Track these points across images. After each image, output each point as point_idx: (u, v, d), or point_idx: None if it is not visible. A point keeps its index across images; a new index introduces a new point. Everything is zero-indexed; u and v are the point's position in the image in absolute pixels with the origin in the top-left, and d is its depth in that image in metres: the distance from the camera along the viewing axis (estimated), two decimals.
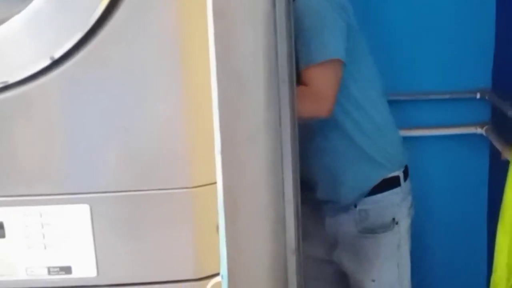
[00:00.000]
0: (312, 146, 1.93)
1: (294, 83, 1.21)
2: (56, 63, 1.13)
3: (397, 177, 2.02)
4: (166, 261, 1.19)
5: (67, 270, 1.20)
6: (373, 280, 2.02)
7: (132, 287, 1.21)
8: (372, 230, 2.01)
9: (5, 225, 1.18)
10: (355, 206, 1.99)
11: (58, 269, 1.19)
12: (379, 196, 2.00)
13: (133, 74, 1.14)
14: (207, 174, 1.11)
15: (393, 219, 2.01)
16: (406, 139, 2.16)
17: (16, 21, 1.12)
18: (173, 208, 1.17)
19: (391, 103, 2.07)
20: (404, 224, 2.04)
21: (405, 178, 2.03)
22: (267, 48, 1.09)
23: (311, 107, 1.81)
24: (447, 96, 2.53)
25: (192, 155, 1.15)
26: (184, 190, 1.16)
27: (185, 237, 1.18)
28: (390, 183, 2.01)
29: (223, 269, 1.05)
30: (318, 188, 1.99)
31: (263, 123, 1.11)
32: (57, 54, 1.12)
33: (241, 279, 1.06)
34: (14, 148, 1.17)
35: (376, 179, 1.99)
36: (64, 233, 1.18)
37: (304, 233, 1.85)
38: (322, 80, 1.83)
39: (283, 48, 1.15)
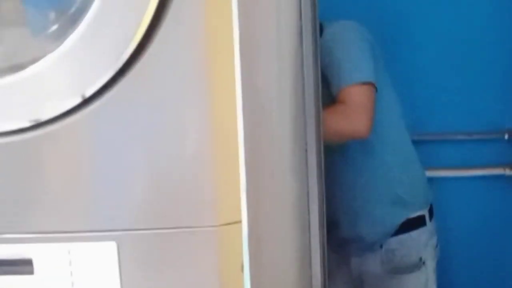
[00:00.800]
0: (333, 182, 1.92)
1: (321, 118, 1.22)
2: (86, 102, 1.15)
3: (423, 217, 2.01)
4: None
5: None
6: None
7: None
8: (399, 270, 1.99)
9: (34, 262, 1.19)
10: (381, 246, 1.98)
11: None
12: (405, 235, 1.98)
13: (161, 112, 1.16)
14: (233, 212, 1.12)
15: (420, 258, 1.99)
16: (431, 179, 2.15)
17: (49, 60, 1.15)
18: (198, 246, 1.18)
19: (415, 143, 2.06)
20: (431, 264, 2.02)
21: (430, 218, 2.01)
22: (294, 85, 1.10)
23: (349, 125, 1.80)
24: (474, 137, 2.51)
25: (218, 193, 1.16)
26: (210, 228, 1.17)
27: (210, 276, 1.19)
28: (415, 223, 1.99)
29: None
30: (341, 226, 1.98)
31: (289, 159, 1.12)
32: (88, 93, 1.15)
33: None
34: (43, 185, 1.19)
35: (401, 218, 1.97)
36: (91, 270, 1.19)
37: (329, 273, 1.85)
38: (359, 97, 1.82)
39: (309, 84, 1.16)
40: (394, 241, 1.97)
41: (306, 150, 1.18)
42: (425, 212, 2.00)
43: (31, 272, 1.19)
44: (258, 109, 1.02)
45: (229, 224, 1.16)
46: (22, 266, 1.19)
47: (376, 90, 1.85)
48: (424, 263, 2.00)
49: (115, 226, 1.19)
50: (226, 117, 1.08)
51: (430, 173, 2.19)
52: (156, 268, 1.20)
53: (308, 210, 1.23)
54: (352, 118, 1.81)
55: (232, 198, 1.11)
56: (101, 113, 1.16)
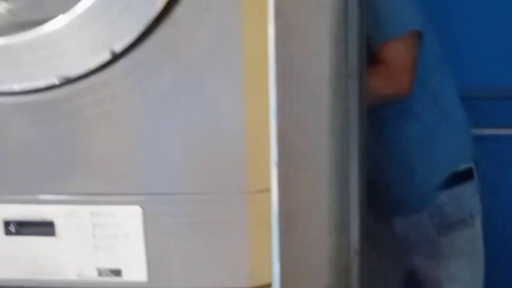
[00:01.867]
0: (380, 141, 1.86)
1: (364, 79, 1.14)
2: (116, 58, 1.08)
3: (471, 169, 1.93)
4: (218, 267, 1.15)
5: (117, 273, 1.16)
6: (452, 279, 1.95)
7: None
8: (448, 227, 1.93)
9: (56, 224, 1.15)
10: (430, 204, 1.91)
11: (108, 271, 1.16)
12: (454, 190, 1.91)
13: (192, 74, 1.09)
14: (264, 179, 1.06)
15: (470, 214, 1.94)
16: (478, 137, 2.06)
17: (75, 14, 1.07)
18: (227, 213, 1.12)
19: (463, 99, 1.96)
20: (479, 219, 1.97)
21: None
22: (335, 43, 1.02)
23: (389, 85, 1.74)
24: None
25: (249, 159, 1.09)
26: (239, 194, 1.11)
27: (239, 244, 1.13)
28: (464, 177, 1.93)
29: (275, 285, 0.99)
30: (387, 188, 1.91)
31: (327, 126, 1.04)
32: (118, 48, 1.07)
33: None
34: (68, 146, 1.14)
35: (449, 170, 1.90)
36: (115, 235, 1.14)
37: (369, 239, 1.80)
38: (400, 54, 1.75)
39: (353, 40, 1.08)
40: (443, 197, 1.91)
41: (347, 113, 1.11)
42: (472, 165, 1.93)
43: (52, 234, 1.15)
44: (293, 72, 0.93)
45: (259, 191, 1.09)
46: (44, 227, 1.15)
47: (422, 38, 1.76)
48: (473, 218, 1.94)
49: (140, 190, 1.13)
50: (262, 81, 1.00)
51: (477, 131, 2.09)
52: (183, 235, 1.14)
53: (348, 173, 1.16)
54: (392, 80, 1.73)
55: (263, 165, 1.04)
56: (132, 71, 1.09)
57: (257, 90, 1.02)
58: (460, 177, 1.93)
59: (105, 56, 1.08)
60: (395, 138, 1.86)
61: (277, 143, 0.91)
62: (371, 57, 1.74)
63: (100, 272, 1.16)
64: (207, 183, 1.12)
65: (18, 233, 1.15)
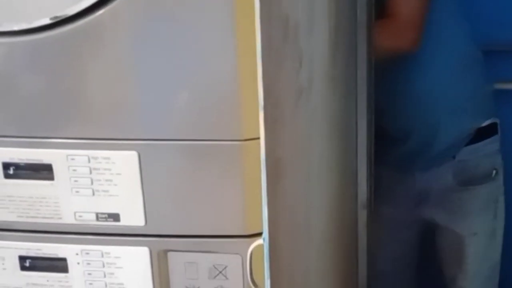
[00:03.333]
0: (403, 91, 1.82)
1: (373, 27, 1.11)
2: None
3: (495, 124, 1.89)
4: (214, 214, 1.14)
5: (116, 217, 1.17)
6: (475, 234, 1.92)
7: (179, 239, 1.17)
8: (472, 182, 1.90)
9: (54, 168, 1.15)
10: (454, 157, 1.88)
11: (106, 215, 1.17)
12: (479, 144, 1.87)
13: (187, 18, 1.07)
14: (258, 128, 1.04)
15: (494, 168, 1.90)
16: (499, 92, 2.00)
17: None
18: (222, 160, 1.11)
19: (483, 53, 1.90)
20: (501, 174, 1.93)
21: None
22: None
23: (396, 40, 1.68)
24: None
25: (243, 107, 1.08)
26: (234, 142, 1.10)
27: (234, 191, 1.12)
28: (488, 131, 1.88)
29: (265, 232, 0.98)
30: (409, 138, 1.88)
31: (322, 72, 1.02)
32: None
33: (283, 243, 1.00)
34: (65, 90, 1.14)
35: (472, 127, 1.86)
36: (112, 179, 1.15)
37: (387, 191, 1.78)
38: (409, 8, 1.69)
39: None
40: (467, 151, 1.87)
41: (356, 66, 1.09)
42: (496, 120, 1.89)
43: (51, 178, 1.16)
44: (279, 20, 0.91)
45: (254, 139, 1.08)
46: (42, 171, 1.15)
47: None
48: (496, 172, 1.91)
49: (137, 135, 1.13)
50: (251, 34, 0.97)
51: (498, 86, 2.03)
52: (179, 182, 1.14)
53: (356, 123, 1.14)
54: (400, 34, 1.68)
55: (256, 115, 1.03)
56: (126, 10, 1.08)
57: (250, 38, 1.00)
58: (483, 132, 1.88)
59: None
60: (414, 92, 1.82)
61: (263, 87, 0.89)
62: (380, 11, 1.69)
63: (98, 217, 1.17)
64: (204, 131, 1.11)
65: (17, 176, 1.16)
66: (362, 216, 1.20)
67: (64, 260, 1.20)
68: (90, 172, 1.15)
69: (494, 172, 1.91)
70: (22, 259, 1.21)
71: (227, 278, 1.17)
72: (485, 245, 1.95)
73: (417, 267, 2.08)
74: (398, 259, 2.03)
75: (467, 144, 1.87)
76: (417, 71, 1.79)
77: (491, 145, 1.89)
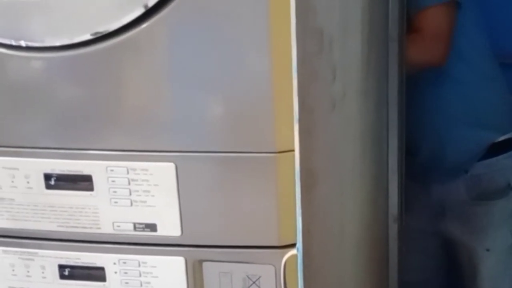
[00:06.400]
0: (418, 108, 1.82)
1: (404, 42, 1.13)
2: (149, 12, 1.10)
3: (510, 139, 1.89)
4: (248, 225, 1.17)
5: (153, 227, 1.19)
6: (488, 250, 1.91)
7: (214, 249, 1.19)
8: (485, 197, 1.89)
9: (93, 179, 1.19)
10: (466, 172, 1.88)
11: (143, 225, 1.20)
12: (493, 160, 1.87)
13: (224, 32, 1.10)
14: (292, 140, 1.07)
15: (508, 184, 1.89)
16: None
17: None
18: (256, 172, 1.14)
19: (502, 66, 1.90)
20: None
21: None
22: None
23: (424, 54, 1.70)
24: None
25: (277, 120, 1.10)
26: (268, 155, 1.12)
27: (268, 203, 1.15)
28: (502, 146, 1.88)
29: (299, 243, 1.00)
30: (422, 152, 1.88)
31: (355, 85, 1.04)
32: (151, 2, 1.09)
33: (316, 254, 1.01)
34: (105, 103, 1.17)
35: (486, 141, 1.86)
36: (150, 190, 1.18)
37: (406, 202, 1.78)
38: (437, 22, 1.71)
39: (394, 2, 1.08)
40: (480, 166, 1.86)
41: (387, 79, 1.11)
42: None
43: (90, 188, 1.19)
44: (314, 34, 0.93)
45: (288, 151, 1.10)
46: (82, 182, 1.19)
47: (460, 7, 1.72)
48: (510, 188, 1.89)
49: (174, 147, 1.16)
50: (285, 47, 1.00)
51: None
52: (215, 193, 1.17)
53: (387, 138, 1.16)
54: (428, 49, 1.69)
55: (291, 126, 1.05)
56: (164, 25, 1.11)
57: (285, 51, 1.02)
58: (498, 146, 1.88)
59: (138, 11, 1.10)
60: (433, 106, 1.83)
61: (298, 99, 0.92)
62: (408, 25, 1.71)
63: (136, 227, 1.20)
64: (239, 143, 1.14)
65: (58, 187, 1.19)
66: (393, 229, 1.22)
67: (102, 269, 1.23)
68: (129, 183, 1.18)
69: (508, 188, 1.89)
70: (61, 268, 1.24)
71: None
72: (501, 261, 1.93)
73: (448, 277, 2.07)
74: (423, 269, 2.02)
75: (481, 159, 1.86)
76: (436, 85, 1.80)
77: (505, 160, 1.88)
